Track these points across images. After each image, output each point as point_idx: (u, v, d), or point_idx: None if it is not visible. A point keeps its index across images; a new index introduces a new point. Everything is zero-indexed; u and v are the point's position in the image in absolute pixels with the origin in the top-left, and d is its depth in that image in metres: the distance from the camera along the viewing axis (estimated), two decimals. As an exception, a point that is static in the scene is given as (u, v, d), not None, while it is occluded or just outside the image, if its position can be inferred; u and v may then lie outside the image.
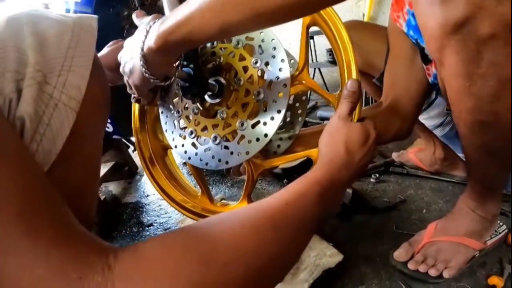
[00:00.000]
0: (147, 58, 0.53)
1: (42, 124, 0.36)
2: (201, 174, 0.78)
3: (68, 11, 1.00)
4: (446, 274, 0.71)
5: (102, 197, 1.29)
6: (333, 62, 1.99)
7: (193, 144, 0.69)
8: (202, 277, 0.32)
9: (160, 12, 0.66)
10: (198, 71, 0.64)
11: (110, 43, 0.79)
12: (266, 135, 0.62)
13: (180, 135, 0.71)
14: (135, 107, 0.81)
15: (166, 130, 0.74)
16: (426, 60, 0.76)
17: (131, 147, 1.52)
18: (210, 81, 0.66)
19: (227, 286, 0.34)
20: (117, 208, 1.30)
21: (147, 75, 0.55)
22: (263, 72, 0.64)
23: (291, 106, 0.77)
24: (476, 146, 0.62)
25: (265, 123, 0.62)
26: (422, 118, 1.02)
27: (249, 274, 0.36)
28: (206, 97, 0.68)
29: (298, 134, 0.75)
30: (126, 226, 1.17)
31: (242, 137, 0.64)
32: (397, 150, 1.26)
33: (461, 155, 1.08)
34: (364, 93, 1.60)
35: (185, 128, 0.71)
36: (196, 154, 0.69)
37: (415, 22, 0.74)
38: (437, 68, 0.57)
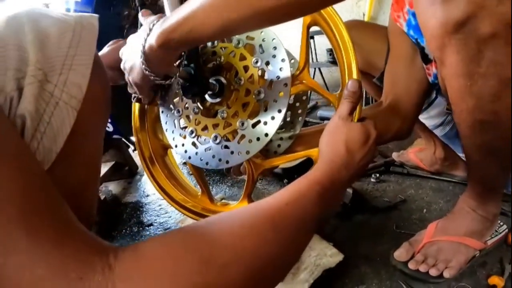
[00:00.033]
0: (148, 55, 0.53)
1: (43, 122, 0.36)
2: (201, 174, 0.78)
3: (68, 10, 1.01)
4: (446, 274, 0.71)
5: (102, 197, 1.29)
6: (333, 62, 1.99)
7: (194, 144, 0.69)
8: (202, 277, 0.32)
9: (160, 11, 0.66)
10: (199, 70, 0.64)
11: (110, 42, 0.79)
12: (266, 135, 0.62)
13: (180, 135, 0.71)
14: (135, 107, 0.81)
15: (166, 130, 0.74)
16: (426, 59, 0.76)
17: (131, 147, 1.52)
18: (210, 80, 0.66)
19: (227, 286, 0.34)
20: (117, 208, 1.30)
21: (147, 72, 0.55)
22: (263, 71, 0.64)
23: (292, 106, 0.77)
24: (476, 145, 0.62)
25: (265, 123, 0.62)
26: (422, 117, 1.02)
27: (249, 274, 0.36)
28: (206, 96, 0.68)
29: (298, 134, 0.75)
30: (126, 226, 1.17)
31: (243, 136, 0.64)
32: (397, 150, 1.26)
33: (461, 155, 1.08)
34: (364, 93, 1.60)
35: (185, 127, 0.71)
36: (197, 153, 0.69)
37: (415, 22, 0.74)
38: (438, 67, 0.57)
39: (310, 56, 2.15)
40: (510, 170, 0.68)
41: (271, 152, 0.74)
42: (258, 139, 0.63)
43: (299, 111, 0.77)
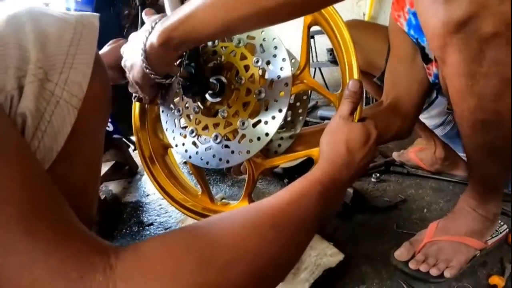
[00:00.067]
0: (149, 54, 0.53)
1: (44, 121, 0.36)
2: (202, 173, 0.78)
3: (68, 10, 1.00)
4: (447, 274, 0.71)
5: (102, 196, 1.29)
6: (333, 61, 1.99)
7: (194, 143, 0.69)
8: (203, 277, 0.32)
9: (160, 11, 0.67)
10: (199, 70, 0.64)
11: (110, 41, 0.79)
12: (267, 134, 0.62)
13: (180, 134, 0.71)
14: (136, 106, 0.81)
15: (166, 129, 0.74)
16: (426, 59, 0.76)
17: (131, 146, 1.52)
18: (211, 80, 0.66)
19: (228, 286, 0.34)
20: (117, 207, 1.30)
21: (147, 70, 0.55)
22: (264, 71, 0.64)
23: (292, 106, 0.77)
24: (478, 145, 0.62)
25: (266, 122, 0.62)
26: (422, 117, 1.02)
27: (251, 274, 0.36)
28: (207, 96, 0.67)
29: (299, 134, 0.74)
30: (126, 226, 1.17)
31: (243, 136, 0.64)
32: (397, 150, 1.26)
33: (461, 154, 1.08)
34: (364, 92, 1.60)
35: (185, 127, 0.71)
36: (197, 153, 0.69)
37: (416, 22, 0.74)
38: (439, 66, 0.57)
39: (311, 55, 2.15)
40: (511, 170, 0.68)
41: (272, 151, 0.74)
42: (258, 138, 0.63)
43: (300, 111, 0.77)
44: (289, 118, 0.77)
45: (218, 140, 0.66)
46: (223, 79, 0.67)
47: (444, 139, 1.07)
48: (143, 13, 0.63)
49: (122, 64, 0.61)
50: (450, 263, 0.72)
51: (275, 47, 0.63)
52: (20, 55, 0.35)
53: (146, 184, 1.45)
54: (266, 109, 0.63)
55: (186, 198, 0.79)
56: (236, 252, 0.36)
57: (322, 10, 0.62)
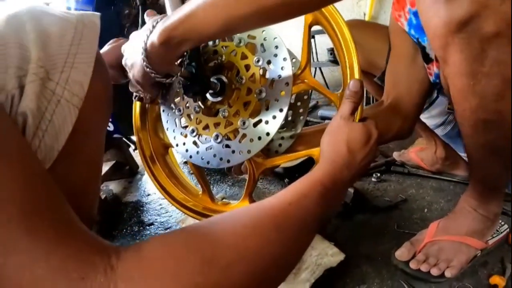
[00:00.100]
0: (150, 53, 0.53)
1: (45, 120, 0.36)
2: (202, 173, 0.78)
3: (69, 9, 1.00)
4: (448, 274, 0.71)
5: (103, 196, 1.29)
6: (334, 61, 1.98)
7: (195, 143, 0.69)
8: (204, 277, 0.32)
9: (161, 11, 0.67)
10: (200, 69, 0.64)
11: (111, 41, 0.78)
12: (268, 134, 0.62)
13: (181, 134, 0.71)
14: (136, 106, 0.81)
15: (167, 129, 0.74)
16: (427, 59, 0.75)
17: (132, 146, 1.52)
18: (212, 79, 0.66)
19: (229, 286, 0.34)
20: (117, 207, 1.30)
21: (148, 69, 0.55)
22: (265, 70, 0.64)
23: (293, 105, 0.77)
24: (479, 145, 0.62)
25: (267, 122, 0.62)
26: (423, 117, 1.02)
27: (252, 275, 0.36)
28: (207, 95, 0.67)
29: (299, 133, 0.74)
30: (126, 225, 1.17)
31: (244, 135, 0.64)
32: (398, 150, 1.26)
33: (462, 154, 1.08)
34: (365, 92, 1.60)
35: (186, 126, 0.71)
36: (198, 152, 0.69)
37: (417, 21, 0.74)
38: (441, 66, 0.57)
39: (311, 55, 2.14)
40: (511, 170, 0.68)
41: (273, 151, 0.73)
42: (259, 138, 0.63)
43: (301, 110, 0.77)
44: (290, 118, 0.77)
45: (219, 140, 0.66)
46: (224, 78, 0.66)
47: (445, 139, 1.07)
48: (145, 14, 0.63)
49: (123, 62, 0.61)
50: (451, 263, 0.72)
51: (276, 47, 0.63)
52: (20, 54, 0.35)
53: (147, 183, 1.45)
54: (267, 109, 0.63)
55: (187, 198, 0.79)
56: (238, 253, 0.35)
57: (323, 10, 0.62)
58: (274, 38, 0.64)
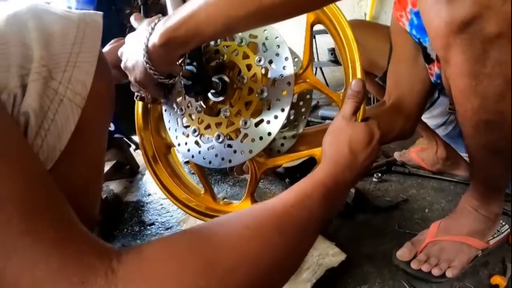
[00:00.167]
0: (151, 54, 0.53)
1: (47, 119, 0.35)
2: (204, 173, 0.78)
3: (70, 8, 1.00)
4: (449, 274, 0.71)
5: (104, 196, 1.29)
6: (335, 61, 1.98)
7: (196, 142, 0.69)
8: (206, 280, 0.32)
9: (162, 10, 0.66)
10: (202, 69, 0.64)
11: (112, 41, 0.79)
12: (269, 134, 0.62)
13: (183, 133, 0.71)
14: (138, 105, 0.81)
15: (169, 128, 0.74)
16: (428, 59, 0.75)
17: (133, 146, 1.52)
18: (213, 79, 0.66)
19: None
20: (118, 207, 1.30)
21: (151, 71, 0.55)
22: (266, 70, 0.64)
23: (295, 105, 0.77)
24: (481, 145, 0.62)
25: (268, 122, 0.62)
26: (424, 117, 1.02)
27: (255, 277, 0.36)
28: (209, 95, 0.67)
29: (301, 133, 0.74)
30: (127, 225, 1.17)
31: (246, 135, 0.64)
32: (399, 150, 1.25)
33: (463, 154, 1.08)
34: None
35: (188, 126, 0.71)
36: (199, 152, 0.69)
37: (418, 21, 0.74)
38: (442, 67, 0.57)
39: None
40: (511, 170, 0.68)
41: (274, 151, 0.73)
42: (261, 138, 0.62)
43: (303, 110, 0.77)
44: (291, 118, 0.77)
45: (221, 140, 0.66)
46: (226, 78, 0.66)
47: (446, 139, 1.07)
48: (132, 19, 0.63)
49: (122, 66, 0.60)
50: (452, 263, 0.72)
51: (278, 46, 0.63)
52: (23, 53, 0.34)
53: (147, 183, 1.44)
54: (269, 108, 0.63)
55: (189, 198, 0.79)
56: (240, 255, 0.35)
57: (325, 9, 0.62)
58: (276, 38, 0.64)
